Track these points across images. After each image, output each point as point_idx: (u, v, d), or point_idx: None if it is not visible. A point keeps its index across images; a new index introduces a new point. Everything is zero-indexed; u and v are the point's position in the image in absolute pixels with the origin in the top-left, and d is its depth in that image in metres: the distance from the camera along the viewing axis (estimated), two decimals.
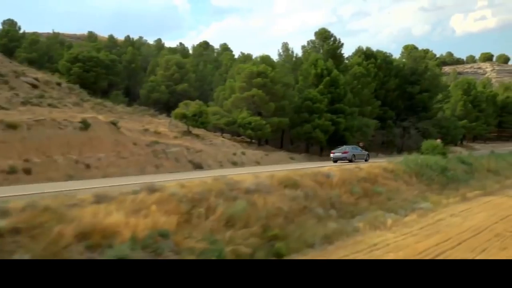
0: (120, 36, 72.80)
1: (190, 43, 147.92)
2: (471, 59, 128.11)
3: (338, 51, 48.03)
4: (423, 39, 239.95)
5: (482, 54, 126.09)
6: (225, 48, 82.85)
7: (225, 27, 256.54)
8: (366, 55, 55.41)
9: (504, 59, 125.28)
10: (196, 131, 33.35)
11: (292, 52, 49.54)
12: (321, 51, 47.10)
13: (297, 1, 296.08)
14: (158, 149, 25.68)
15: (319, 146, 39.24)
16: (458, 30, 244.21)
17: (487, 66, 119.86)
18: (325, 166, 24.22)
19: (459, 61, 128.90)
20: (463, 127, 64.71)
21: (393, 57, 58.60)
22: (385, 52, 57.14)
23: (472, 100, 66.50)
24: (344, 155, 30.76)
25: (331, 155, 31.31)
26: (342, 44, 48.18)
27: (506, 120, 77.65)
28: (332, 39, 47.85)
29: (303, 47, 48.93)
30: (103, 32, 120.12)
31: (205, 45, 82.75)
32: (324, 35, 47.83)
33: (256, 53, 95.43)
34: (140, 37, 78.25)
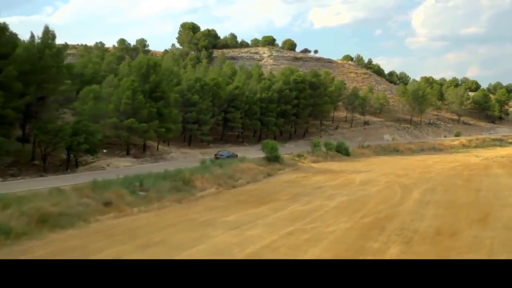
0: None
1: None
2: (255, 43, 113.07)
3: None
4: (284, 30, 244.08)
5: (264, 37, 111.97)
6: None
7: (85, 4, 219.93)
8: None
9: (290, 45, 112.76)
10: None
11: None
12: None
13: None
14: None
15: None
16: (317, 24, 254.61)
17: (264, 51, 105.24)
18: None
19: (242, 45, 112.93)
20: (130, 128, 43.43)
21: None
22: None
23: (152, 90, 45.40)
24: (223, 156, 46.67)
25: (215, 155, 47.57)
26: None
27: (232, 117, 59.51)
28: None
29: None
30: None
31: None
32: None
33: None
34: None
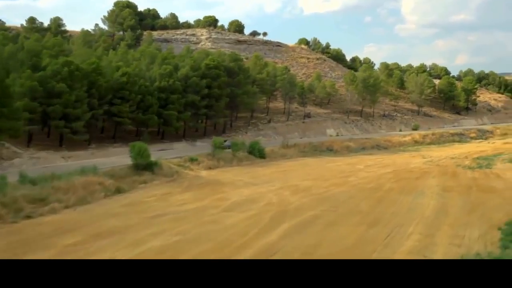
0: None
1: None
2: (198, 24, 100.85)
3: None
4: (275, 16, 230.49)
5: (205, 17, 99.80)
6: None
7: None
8: None
9: (237, 26, 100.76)
10: None
11: None
12: None
13: None
14: None
15: None
16: (306, 10, 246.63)
17: (202, 33, 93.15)
18: None
19: (184, 26, 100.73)
20: None
21: None
22: None
23: None
24: (226, 145, 47.11)
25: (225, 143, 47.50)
26: None
27: (118, 110, 47.95)
28: None
29: None
30: None
31: None
32: None
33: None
34: None
